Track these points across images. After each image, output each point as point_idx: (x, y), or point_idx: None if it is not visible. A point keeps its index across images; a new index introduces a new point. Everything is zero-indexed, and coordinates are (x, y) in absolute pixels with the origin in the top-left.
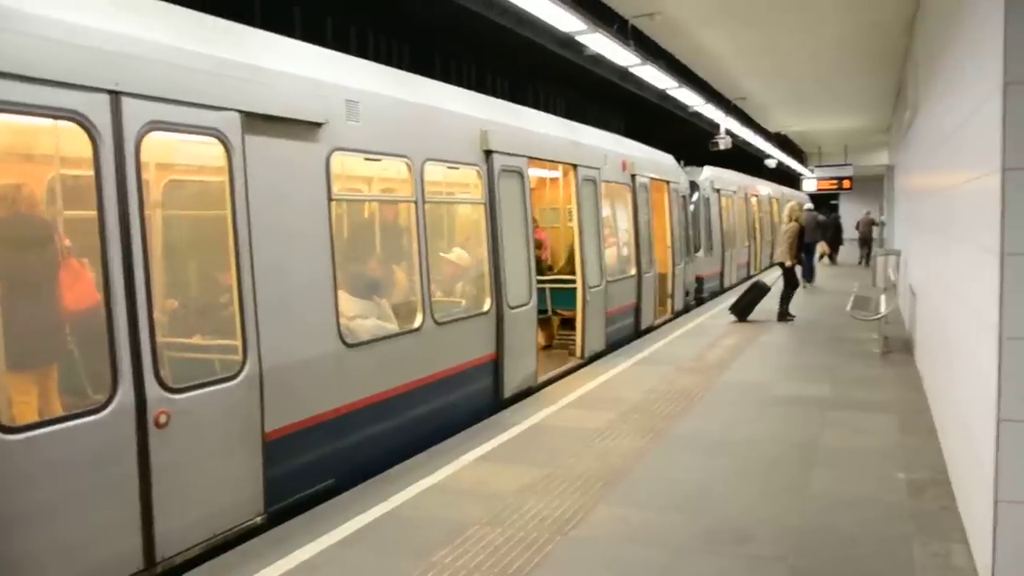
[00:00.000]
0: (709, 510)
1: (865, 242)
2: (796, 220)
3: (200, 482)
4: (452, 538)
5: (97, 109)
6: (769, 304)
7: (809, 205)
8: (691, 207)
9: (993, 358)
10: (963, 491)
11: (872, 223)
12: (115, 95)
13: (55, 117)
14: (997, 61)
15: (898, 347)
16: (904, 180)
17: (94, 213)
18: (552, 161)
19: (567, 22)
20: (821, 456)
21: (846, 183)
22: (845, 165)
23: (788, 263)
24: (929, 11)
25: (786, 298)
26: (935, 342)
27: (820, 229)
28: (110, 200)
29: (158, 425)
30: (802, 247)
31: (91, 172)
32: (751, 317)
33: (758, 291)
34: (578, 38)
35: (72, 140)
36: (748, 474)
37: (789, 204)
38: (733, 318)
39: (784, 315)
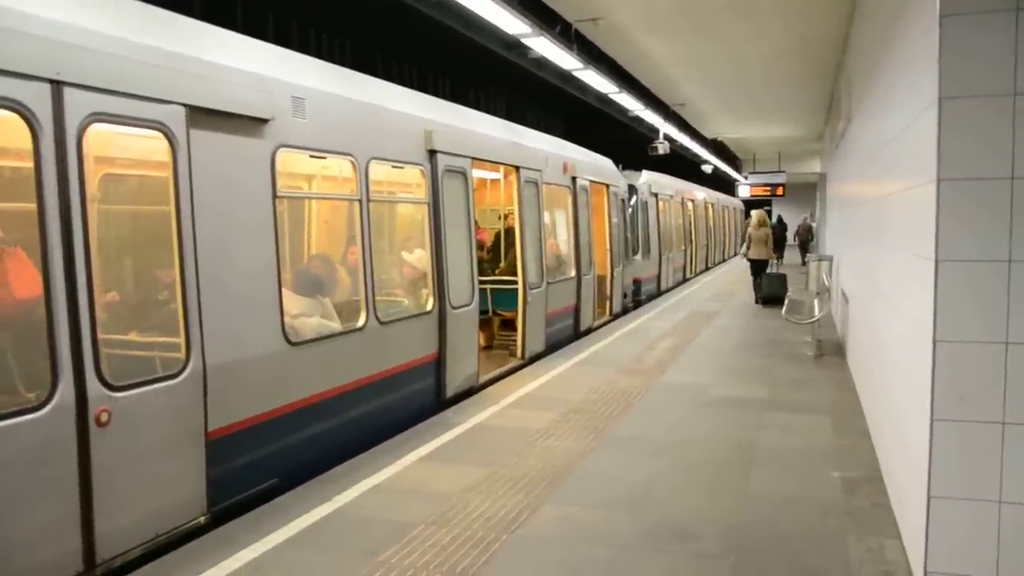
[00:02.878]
0: (652, 509)
1: (804, 245)
2: (765, 225)
3: (142, 482)
4: (398, 537)
5: (37, 99)
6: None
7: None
8: (629, 210)
9: (927, 360)
10: (896, 488)
11: (810, 229)
12: (56, 84)
13: None
14: (932, 77)
15: (830, 350)
16: (837, 188)
17: (33, 206)
18: (495, 162)
19: (512, 25)
20: (759, 456)
21: (779, 190)
22: (779, 172)
23: (767, 257)
24: (863, 28)
25: (759, 285)
26: (867, 345)
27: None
28: (50, 193)
29: (99, 423)
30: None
31: (30, 163)
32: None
33: (779, 279)
34: (523, 41)
35: (10, 130)
36: (689, 473)
37: (757, 212)
38: (759, 305)
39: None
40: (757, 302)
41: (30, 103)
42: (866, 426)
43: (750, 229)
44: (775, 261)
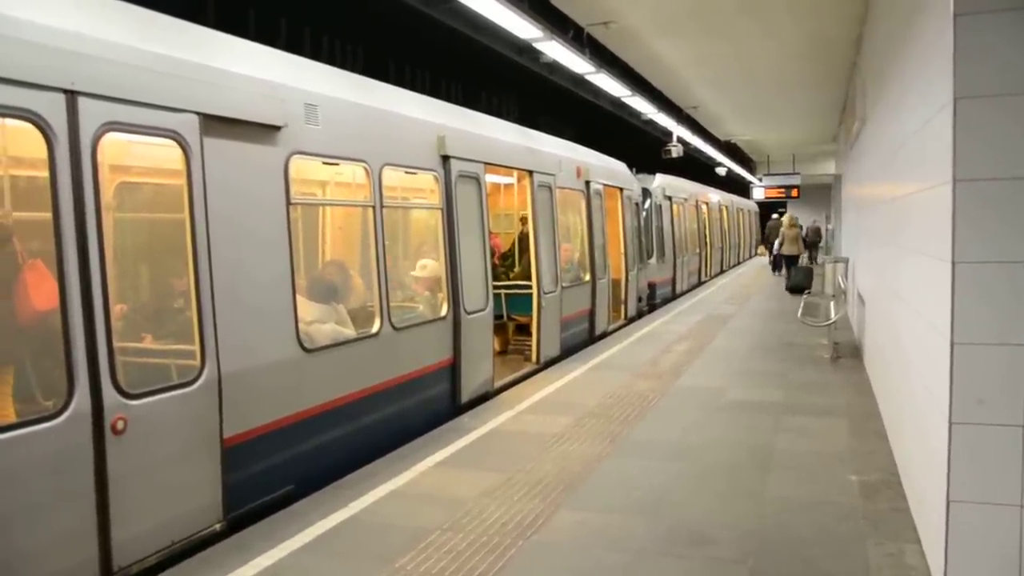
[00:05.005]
0: (669, 513)
1: (813, 245)
2: (795, 226)
3: (158, 489)
4: (414, 544)
5: (52, 109)
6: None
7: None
8: (643, 214)
9: (945, 363)
10: (915, 492)
11: (818, 230)
12: (71, 95)
13: (8, 116)
14: (947, 77)
15: (847, 353)
16: (852, 189)
17: (49, 215)
18: (508, 167)
19: (524, 29)
20: (776, 460)
21: (794, 192)
22: (793, 174)
23: (798, 252)
24: (877, 28)
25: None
26: (884, 347)
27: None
28: (66, 202)
29: (115, 431)
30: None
31: (45, 173)
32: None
33: (807, 271)
34: (534, 45)
35: (25, 140)
36: (705, 478)
37: (788, 215)
38: (789, 295)
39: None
40: (787, 290)
41: (45, 113)
42: (884, 429)
43: (783, 228)
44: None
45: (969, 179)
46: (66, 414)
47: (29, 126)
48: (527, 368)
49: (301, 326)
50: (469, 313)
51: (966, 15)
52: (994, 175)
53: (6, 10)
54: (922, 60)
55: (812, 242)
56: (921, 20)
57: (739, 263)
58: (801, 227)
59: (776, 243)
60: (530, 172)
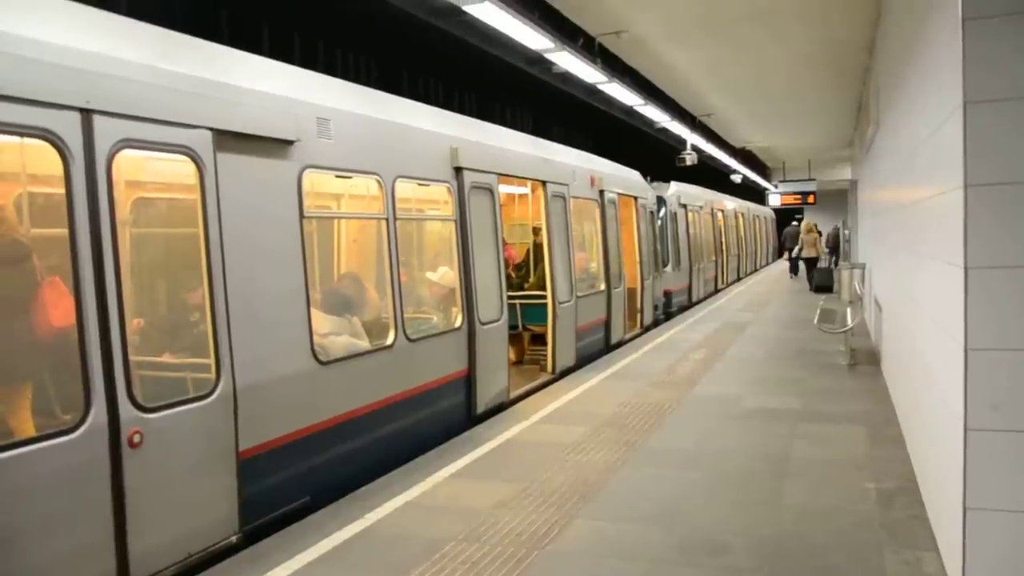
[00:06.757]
0: (684, 522)
1: (834, 250)
2: (813, 231)
3: (174, 502)
4: (429, 555)
5: (68, 127)
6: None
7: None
8: (658, 222)
9: (959, 369)
10: (933, 500)
11: (837, 235)
12: (86, 113)
13: (25, 135)
14: (957, 81)
15: (864, 359)
16: (868, 195)
17: (65, 232)
18: (521, 178)
19: (536, 40)
20: (792, 467)
21: (810, 198)
22: (809, 180)
23: (817, 255)
24: (889, 31)
25: (811, 277)
26: (901, 354)
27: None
28: (81, 219)
29: (132, 445)
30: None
31: (62, 190)
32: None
33: (827, 272)
34: (546, 56)
35: (41, 158)
36: (721, 486)
37: (805, 221)
38: (811, 294)
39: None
40: (811, 290)
41: (61, 132)
42: (901, 436)
43: (803, 234)
44: (824, 256)
45: (981, 184)
46: (83, 428)
47: (46, 144)
48: (543, 378)
49: (316, 338)
50: (484, 324)
51: (974, 19)
52: (1006, 179)
53: (23, 31)
54: (933, 64)
55: (835, 246)
56: (931, 24)
57: (756, 270)
58: (820, 233)
59: (796, 248)
60: (544, 182)
